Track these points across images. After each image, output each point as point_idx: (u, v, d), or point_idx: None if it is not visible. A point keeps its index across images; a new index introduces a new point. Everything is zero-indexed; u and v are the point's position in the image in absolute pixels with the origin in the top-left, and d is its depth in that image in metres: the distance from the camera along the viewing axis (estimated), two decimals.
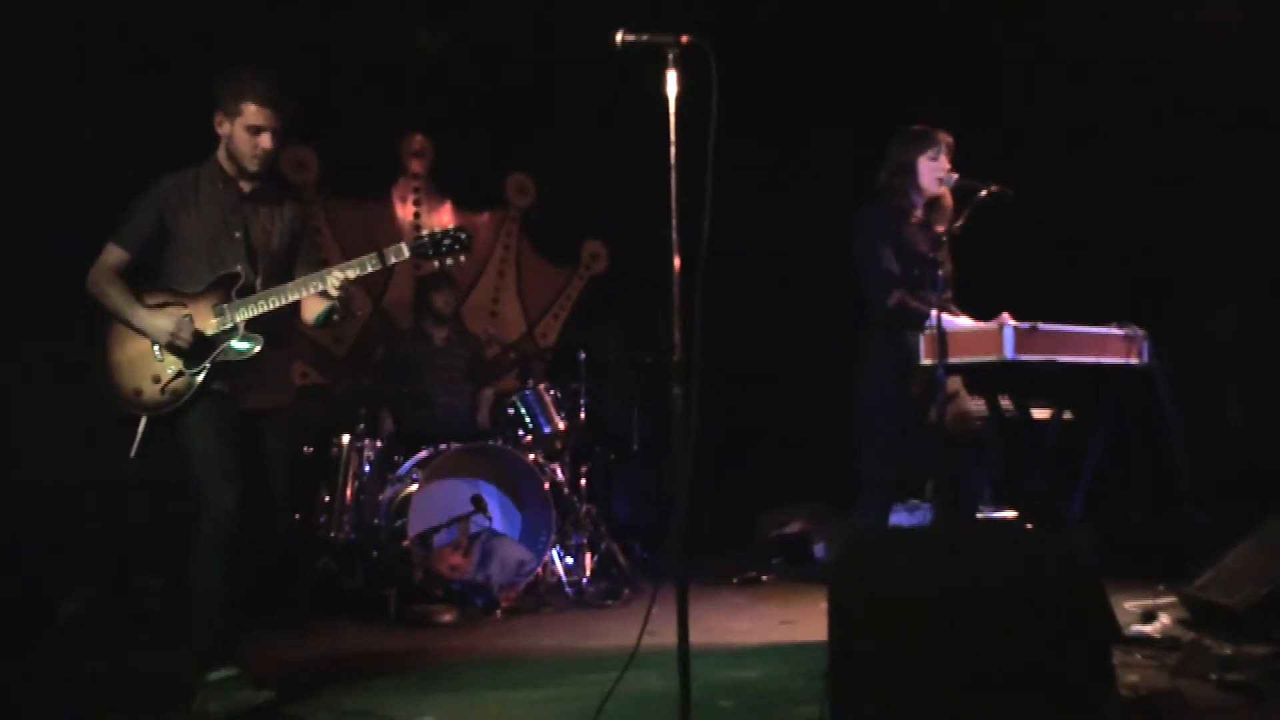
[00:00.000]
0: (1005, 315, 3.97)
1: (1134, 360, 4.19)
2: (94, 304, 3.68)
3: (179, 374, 3.62)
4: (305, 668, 4.08)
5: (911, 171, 4.33)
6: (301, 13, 6.19)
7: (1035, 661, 2.86)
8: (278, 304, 3.71)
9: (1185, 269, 6.14)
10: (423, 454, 5.58)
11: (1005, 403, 4.35)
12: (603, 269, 7.84)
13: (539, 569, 5.52)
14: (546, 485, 5.63)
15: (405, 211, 7.20)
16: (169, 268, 3.73)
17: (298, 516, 5.58)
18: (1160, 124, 6.07)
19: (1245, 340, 5.95)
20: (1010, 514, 5.53)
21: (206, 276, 3.70)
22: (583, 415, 6.18)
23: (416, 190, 7.22)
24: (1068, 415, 4.37)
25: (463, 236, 3.84)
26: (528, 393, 5.89)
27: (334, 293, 3.69)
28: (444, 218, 7.27)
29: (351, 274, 3.71)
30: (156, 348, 3.64)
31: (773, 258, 7.62)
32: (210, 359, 3.65)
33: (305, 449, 5.80)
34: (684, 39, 2.94)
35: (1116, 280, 6.23)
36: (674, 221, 2.91)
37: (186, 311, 3.65)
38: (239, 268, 3.71)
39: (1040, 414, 4.36)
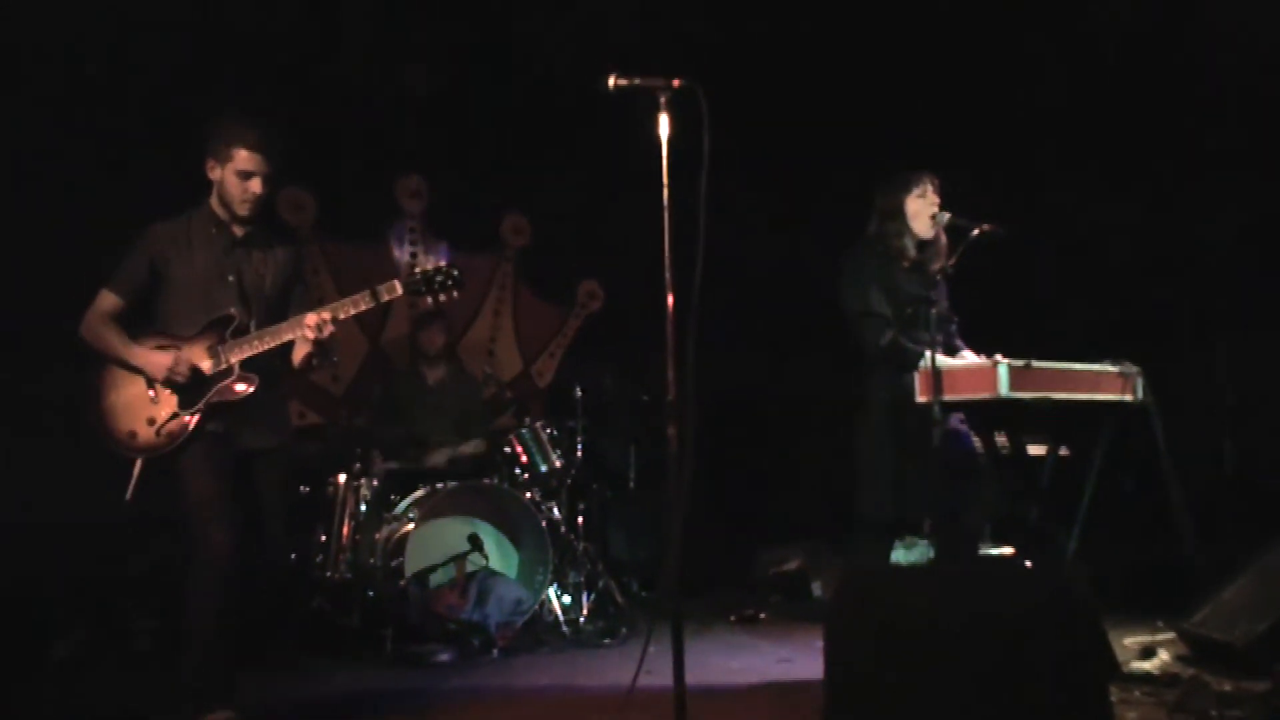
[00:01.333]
0: (998, 357, 3.99)
1: (1128, 397, 4.21)
2: (88, 348, 3.71)
3: (174, 416, 3.65)
4: (301, 709, 4.06)
5: (900, 215, 4.36)
6: (298, 55, 6.24)
7: (1033, 699, 2.85)
8: (271, 344, 3.73)
9: (1182, 303, 6.16)
10: (419, 493, 5.57)
11: (1001, 439, 4.36)
12: (598, 308, 7.87)
13: (536, 608, 5.50)
14: (543, 523, 5.62)
15: (402, 253, 7.23)
16: (162, 312, 3.77)
17: (293, 556, 5.56)
18: (1158, 160, 6.11)
19: (1241, 374, 5.97)
20: (1007, 551, 5.51)
21: (200, 320, 3.73)
22: (579, 453, 6.17)
23: (413, 231, 7.25)
24: (1063, 451, 4.38)
25: (455, 273, 3.92)
26: (524, 431, 5.89)
27: (309, 334, 3.68)
28: (440, 258, 7.30)
29: (341, 313, 3.74)
30: (151, 391, 3.67)
31: (769, 294, 7.64)
32: (205, 400, 3.67)
33: (301, 488, 5.79)
34: (675, 82, 2.97)
35: (1113, 315, 6.24)
36: (667, 260, 2.94)
37: (182, 354, 3.68)
38: (232, 310, 3.74)
39: (1036, 450, 4.37)
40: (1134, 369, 4.24)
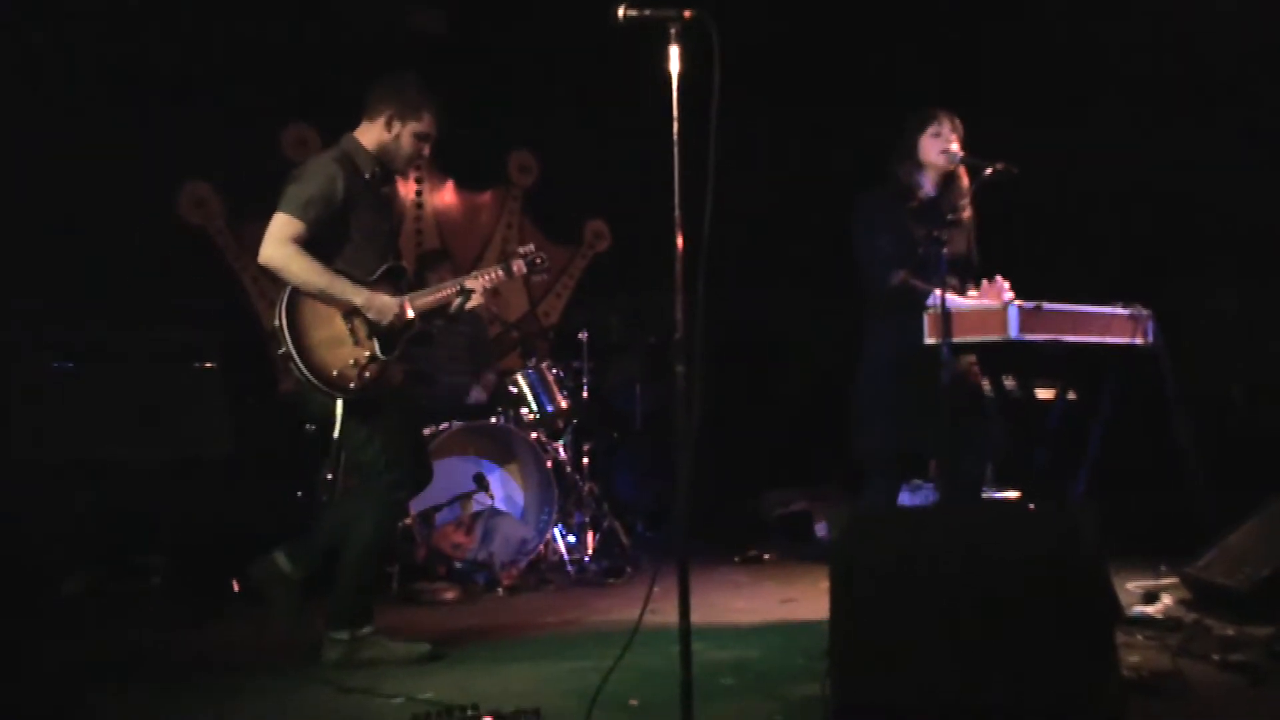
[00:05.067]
0: (1000, 279, 3.95)
1: (1139, 340, 4.18)
2: (282, 277, 3.65)
3: (373, 359, 3.72)
4: (306, 645, 4.07)
5: (913, 154, 4.28)
6: None
7: (1037, 641, 2.85)
8: (441, 298, 3.92)
9: (1191, 247, 6.11)
10: (425, 432, 5.56)
11: (1009, 382, 4.33)
12: (605, 247, 7.83)
13: (541, 547, 5.53)
14: (549, 463, 5.63)
15: (407, 190, 7.18)
16: (337, 252, 3.74)
17: (300, 494, 5.57)
18: (1164, 99, 6.03)
19: (1250, 319, 5.93)
20: (1014, 494, 5.52)
21: (375, 266, 3.80)
22: (585, 394, 6.17)
23: (418, 168, 7.19)
24: (1071, 395, 4.35)
25: (546, 259, 4.31)
26: (530, 371, 5.88)
27: (479, 298, 3.97)
28: (446, 196, 7.27)
29: (488, 282, 4.03)
30: (351, 331, 3.70)
31: (778, 234, 7.59)
32: (400, 346, 3.79)
33: (308, 427, 5.79)
34: (686, 14, 2.91)
35: (1122, 258, 6.20)
36: (677, 199, 2.90)
37: (400, 300, 3.81)
38: (403, 262, 3.94)
39: (1044, 394, 4.35)
40: (1145, 312, 4.20)
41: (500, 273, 4.07)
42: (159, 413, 5.20)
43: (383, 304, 3.72)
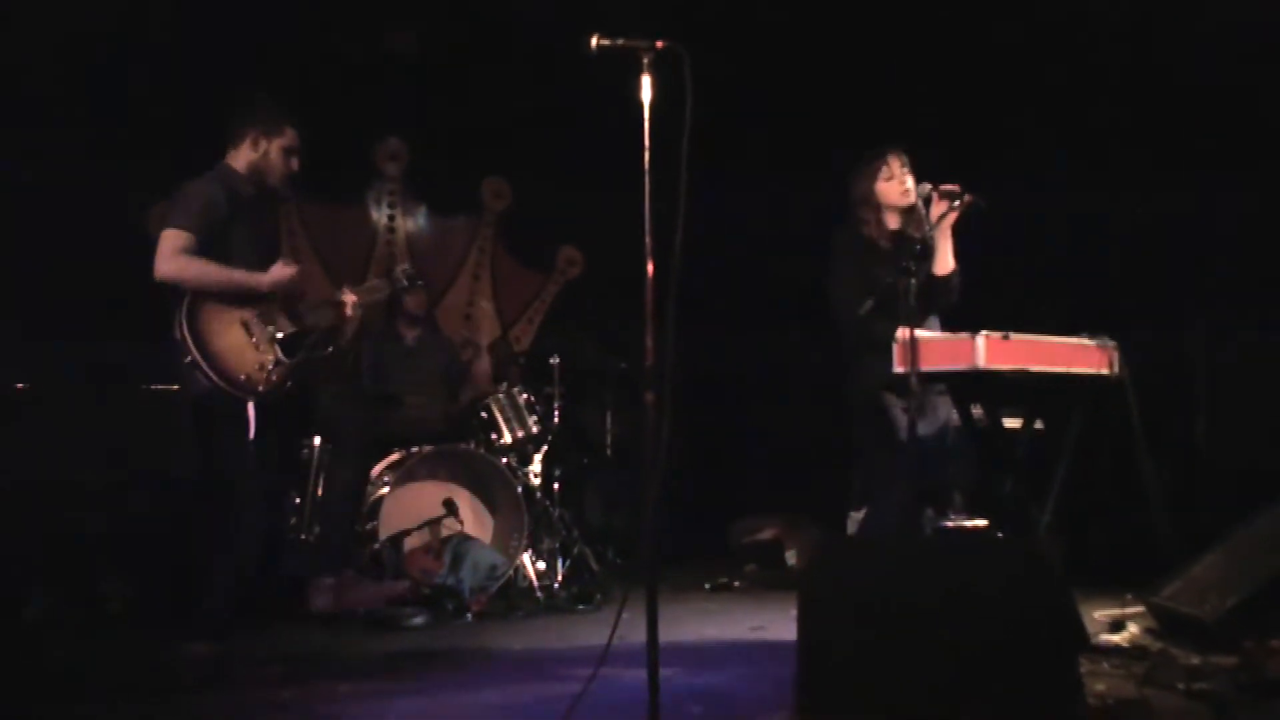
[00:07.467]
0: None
1: (1105, 370, 4.22)
2: (182, 285, 3.74)
3: (277, 362, 3.86)
4: (272, 670, 4.04)
5: (870, 199, 4.39)
6: (275, 14, 6.15)
7: (1003, 669, 2.87)
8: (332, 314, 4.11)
9: (1156, 282, 6.17)
10: (394, 457, 5.55)
11: (977, 411, 4.37)
12: (578, 274, 7.84)
13: (510, 573, 5.50)
14: (519, 489, 5.62)
15: (380, 215, 7.17)
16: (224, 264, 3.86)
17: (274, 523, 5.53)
18: (1132, 135, 6.11)
19: (1215, 352, 5.99)
20: (981, 523, 5.54)
21: None
22: (556, 419, 6.16)
23: (391, 194, 7.19)
24: (1038, 425, 4.39)
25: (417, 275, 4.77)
26: (501, 396, 5.87)
27: (348, 312, 4.15)
28: (418, 221, 7.26)
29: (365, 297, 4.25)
30: (251, 337, 3.83)
31: (748, 263, 7.62)
32: (302, 353, 3.93)
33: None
34: (659, 44, 2.94)
35: (1087, 292, 6.26)
36: (647, 227, 2.91)
37: (262, 308, 3.89)
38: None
39: (1011, 423, 4.39)
40: (1111, 343, 4.25)
41: (378, 286, 4.58)
42: (125, 435, 5.17)
43: (275, 277, 3.87)
